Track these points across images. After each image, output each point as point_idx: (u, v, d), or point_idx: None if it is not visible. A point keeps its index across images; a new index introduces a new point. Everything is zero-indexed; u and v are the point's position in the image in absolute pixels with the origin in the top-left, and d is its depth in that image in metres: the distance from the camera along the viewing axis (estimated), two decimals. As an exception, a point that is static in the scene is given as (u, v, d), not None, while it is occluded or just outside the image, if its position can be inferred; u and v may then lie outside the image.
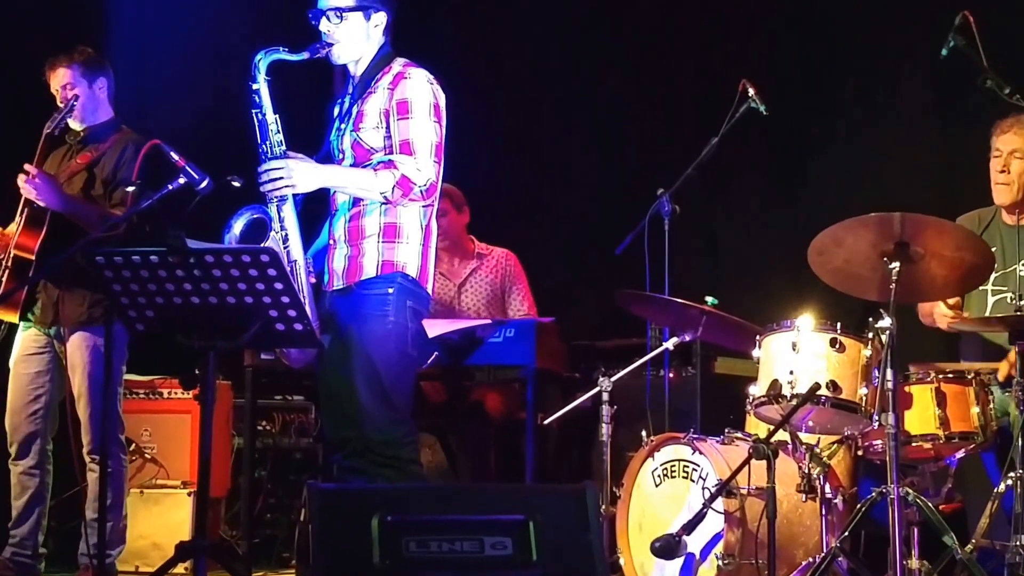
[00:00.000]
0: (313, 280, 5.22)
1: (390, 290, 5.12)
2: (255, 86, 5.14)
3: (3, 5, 7.89)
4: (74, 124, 6.31)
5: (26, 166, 6.07)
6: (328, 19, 5.22)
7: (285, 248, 5.10)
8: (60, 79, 6.27)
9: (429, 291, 5.25)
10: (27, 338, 6.25)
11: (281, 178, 5.07)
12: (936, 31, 5.75)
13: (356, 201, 5.18)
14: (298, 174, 5.08)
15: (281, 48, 5.15)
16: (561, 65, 8.44)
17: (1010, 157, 5.98)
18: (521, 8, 8.48)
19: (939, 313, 5.97)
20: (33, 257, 6.05)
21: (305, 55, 5.19)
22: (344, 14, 5.21)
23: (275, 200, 5.11)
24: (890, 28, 7.58)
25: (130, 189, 5.82)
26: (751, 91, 6.40)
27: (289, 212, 5.13)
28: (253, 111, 5.15)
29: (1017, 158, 5.98)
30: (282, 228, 5.13)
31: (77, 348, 6.16)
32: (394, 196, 5.08)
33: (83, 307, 6.14)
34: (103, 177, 6.20)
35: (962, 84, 6.08)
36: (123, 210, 6.01)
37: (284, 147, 5.14)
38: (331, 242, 5.25)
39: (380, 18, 5.26)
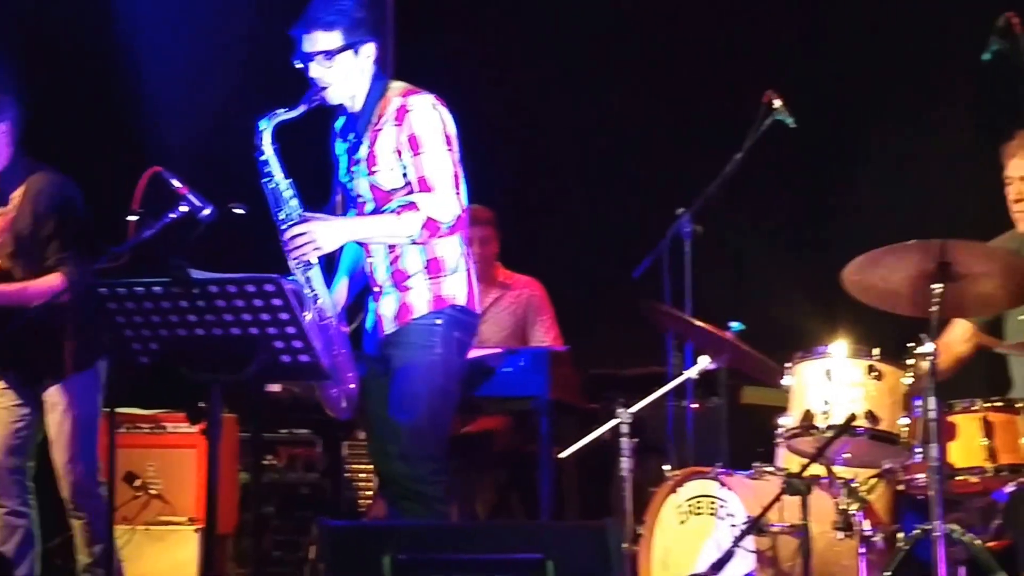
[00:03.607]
0: (346, 329, 5.19)
1: (438, 321, 5.10)
2: (263, 157, 5.09)
3: (6, 32, 7.74)
4: None
5: None
6: (318, 64, 5.12)
7: (316, 307, 5.07)
8: None
9: (478, 311, 5.26)
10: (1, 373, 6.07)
11: (307, 243, 5.01)
12: (979, 41, 5.57)
13: (392, 246, 5.13)
14: (321, 235, 5.04)
15: (280, 110, 5.08)
16: (575, 80, 8.32)
17: (1022, 183, 5.77)
18: (535, 23, 8.39)
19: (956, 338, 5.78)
20: None
21: (302, 108, 5.11)
22: (334, 56, 5.11)
23: (301, 266, 5.06)
24: (929, 35, 7.45)
25: (131, 219, 5.68)
26: (777, 103, 6.24)
27: (315, 274, 5.09)
28: (263, 181, 5.10)
29: None
30: (311, 289, 5.08)
31: (56, 391, 5.99)
32: (421, 238, 5.04)
33: (55, 363, 5.95)
34: (28, 234, 5.97)
35: (1005, 97, 5.90)
36: (60, 269, 5.90)
37: (301, 211, 5.08)
38: (375, 288, 5.20)
39: (369, 49, 5.17)
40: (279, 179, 5.07)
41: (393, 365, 5.11)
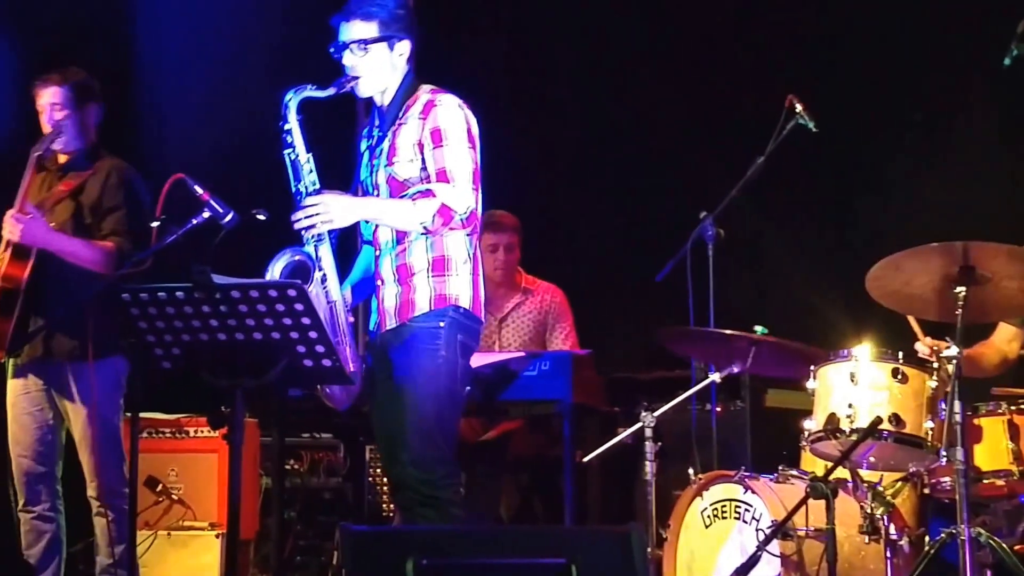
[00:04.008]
0: (352, 319, 5.13)
1: (441, 324, 5.06)
2: (286, 126, 5.09)
3: (28, 39, 7.80)
4: (55, 145, 6.09)
5: (25, 205, 5.90)
6: (352, 52, 5.13)
7: (324, 288, 5.04)
8: (50, 97, 6.07)
9: (482, 318, 5.20)
10: (19, 380, 6.04)
11: (318, 214, 4.99)
12: (1001, 46, 5.53)
13: (400, 238, 5.11)
14: (335, 209, 5.01)
15: (309, 85, 5.09)
16: (597, 84, 8.31)
17: None
18: (557, 29, 8.38)
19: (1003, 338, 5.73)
20: (22, 288, 5.86)
21: (332, 91, 5.12)
22: (368, 46, 5.13)
23: (313, 239, 5.04)
24: (952, 40, 7.40)
25: (154, 225, 5.68)
26: (799, 107, 6.21)
27: (326, 251, 5.07)
28: (285, 151, 5.09)
29: None
30: (319, 268, 5.06)
31: (75, 384, 5.97)
32: (434, 225, 4.99)
33: (75, 340, 5.92)
34: (89, 204, 6.05)
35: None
36: (115, 239, 5.95)
37: (318, 186, 5.07)
38: (378, 282, 5.16)
39: (404, 47, 5.18)
40: (300, 151, 5.07)
41: (397, 370, 5.05)
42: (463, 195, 4.99)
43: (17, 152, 6.19)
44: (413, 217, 4.99)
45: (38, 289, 5.88)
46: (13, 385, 6.05)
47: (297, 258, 5.06)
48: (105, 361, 5.93)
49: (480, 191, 5.08)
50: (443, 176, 5.01)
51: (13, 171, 6.13)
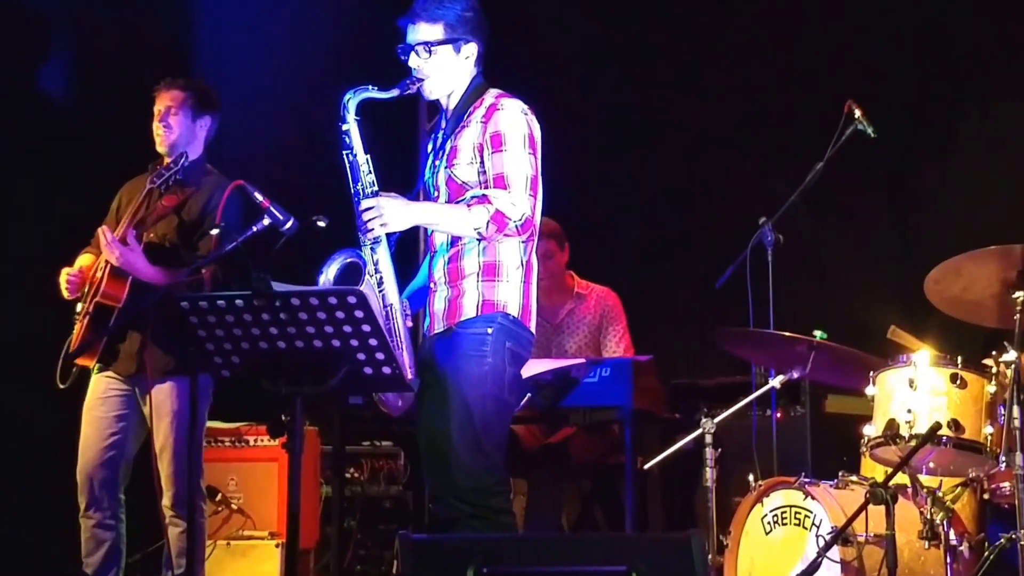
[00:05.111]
0: (410, 324, 5.09)
1: (489, 330, 4.98)
2: (345, 127, 5.03)
3: (86, 43, 7.90)
4: (161, 149, 6.12)
5: (128, 234, 5.94)
6: (417, 54, 5.10)
7: (380, 292, 4.98)
8: (168, 100, 6.10)
9: (532, 330, 5.11)
10: (102, 381, 6.05)
11: (374, 218, 4.95)
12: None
13: (454, 241, 5.06)
14: (390, 212, 4.95)
15: (370, 86, 5.04)
16: (654, 90, 8.28)
17: None
18: (615, 36, 8.36)
19: None
20: (120, 307, 5.88)
21: (395, 92, 5.07)
22: (433, 48, 5.09)
23: (369, 243, 5.00)
24: (1009, 41, 7.38)
25: (214, 232, 5.70)
26: (857, 113, 6.18)
27: (383, 255, 5.01)
28: (344, 152, 5.04)
29: None
30: (376, 271, 5.00)
31: (166, 397, 5.96)
32: (488, 232, 4.94)
33: (169, 355, 5.93)
34: (190, 222, 6.05)
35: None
36: (212, 267, 5.86)
37: (376, 187, 5.01)
38: (431, 285, 5.12)
39: (471, 49, 5.14)
40: (358, 152, 5.02)
41: (443, 376, 4.98)
42: (519, 202, 4.94)
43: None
44: (468, 223, 4.93)
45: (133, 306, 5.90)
46: (95, 388, 6.05)
47: (349, 261, 5.01)
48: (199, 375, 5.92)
49: (538, 198, 5.03)
50: (500, 182, 4.97)
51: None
